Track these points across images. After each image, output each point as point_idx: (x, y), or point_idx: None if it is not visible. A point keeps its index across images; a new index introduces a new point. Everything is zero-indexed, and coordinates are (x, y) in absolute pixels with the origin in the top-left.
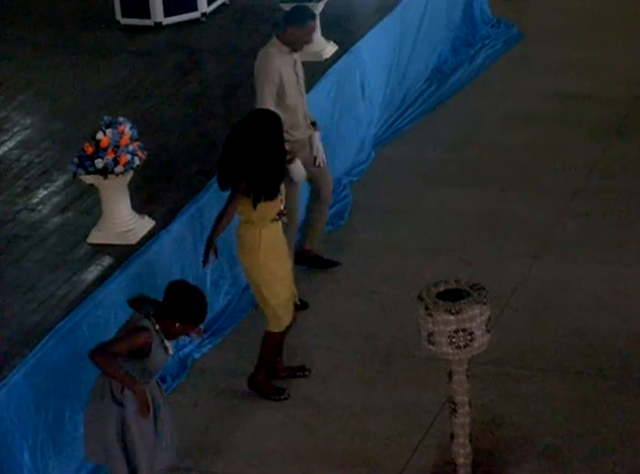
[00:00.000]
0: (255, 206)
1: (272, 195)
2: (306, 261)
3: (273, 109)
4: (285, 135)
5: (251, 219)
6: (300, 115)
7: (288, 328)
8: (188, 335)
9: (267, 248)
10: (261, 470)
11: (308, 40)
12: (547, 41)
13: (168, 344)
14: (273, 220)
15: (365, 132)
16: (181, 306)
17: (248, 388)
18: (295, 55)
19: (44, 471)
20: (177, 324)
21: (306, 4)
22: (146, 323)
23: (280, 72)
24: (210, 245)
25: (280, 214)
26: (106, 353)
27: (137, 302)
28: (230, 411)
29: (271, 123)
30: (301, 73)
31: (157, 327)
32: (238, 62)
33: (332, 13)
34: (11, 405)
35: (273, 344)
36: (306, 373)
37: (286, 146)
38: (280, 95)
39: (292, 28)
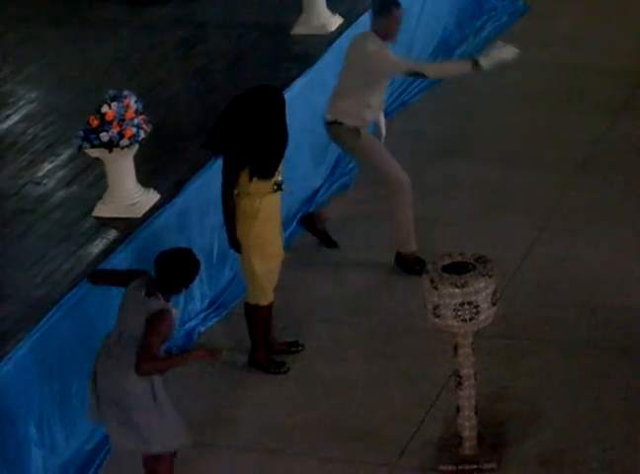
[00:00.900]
0: (250, 179)
1: (268, 174)
2: (313, 229)
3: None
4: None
5: (248, 191)
6: (378, 102)
7: (269, 308)
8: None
9: (264, 218)
10: (266, 443)
11: (397, 29)
12: (553, 14)
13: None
14: (271, 192)
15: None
16: (183, 276)
17: (249, 366)
18: (389, 45)
19: (51, 444)
20: (183, 290)
21: None
22: (160, 304)
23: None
24: (234, 241)
25: (278, 186)
26: (150, 360)
27: (107, 277)
28: (235, 384)
29: (275, 103)
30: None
31: (167, 299)
32: (243, 36)
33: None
34: (17, 379)
35: (260, 318)
36: (300, 348)
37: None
38: (379, 82)
39: (382, 19)
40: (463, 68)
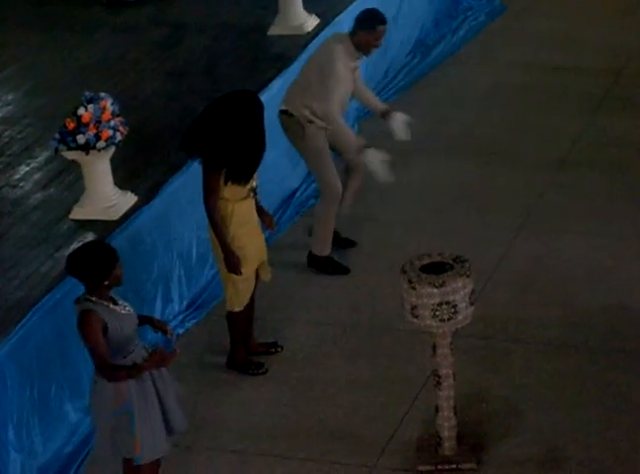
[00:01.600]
0: (226, 183)
1: (245, 179)
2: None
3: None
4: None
5: (223, 195)
6: (340, 109)
7: (251, 305)
8: (120, 274)
9: (238, 223)
10: (246, 445)
11: (378, 45)
12: (530, 14)
13: (117, 304)
14: (245, 197)
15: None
16: (93, 274)
17: (227, 368)
18: (359, 61)
19: (30, 448)
20: (106, 283)
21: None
22: (82, 306)
23: (345, 74)
24: (230, 252)
25: (254, 191)
26: (103, 367)
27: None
28: (215, 386)
29: (253, 108)
30: (358, 76)
31: (94, 298)
32: (220, 37)
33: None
34: None
35: (238, 322)
36: (278, 349)
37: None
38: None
39: (364, 32)
40: (351, 144)
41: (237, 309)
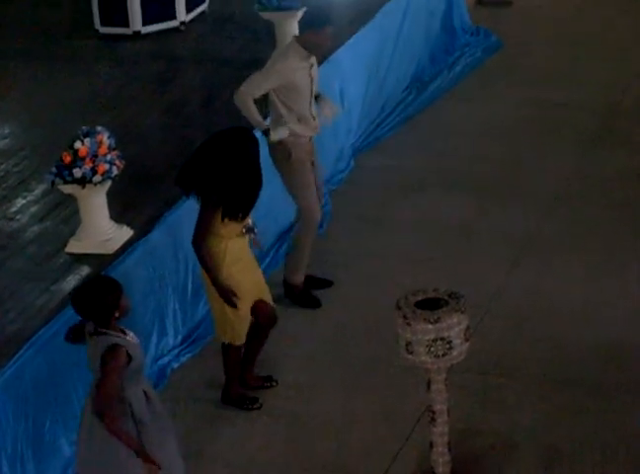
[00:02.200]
0: (222, 220)
1: (242, 216)
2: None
3: (251, 96)
4: (291, 128)
5: (218, 232)
6: (308, 113)
7: (259, 341)
8: (127, 305)
9: (232, 260)
10: None
11: (324, 46)
12: (526, 50)
13: (126, 334)
14: (239, 235)
15: (344, 141)
16: (102, 308)
17: (222, 402)
18: (312, 59)
19: None
20: (116, 314)
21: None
22: (107, 340)
23: (287, 77)
24: (221, 285)
25: (248, 229)
26: (110, 407)
27: (75, 333)
28: (209, 420)
29: (249, 145)
30: (316, 76)
31: (110, 332)
32: (217, 71)
33: (305, 19)
34: None
35: (234, 356)
36: (273, 384)
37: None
38: (289, 95)
39: (309, 33)
40: (257, 124)
41: (236, 343)
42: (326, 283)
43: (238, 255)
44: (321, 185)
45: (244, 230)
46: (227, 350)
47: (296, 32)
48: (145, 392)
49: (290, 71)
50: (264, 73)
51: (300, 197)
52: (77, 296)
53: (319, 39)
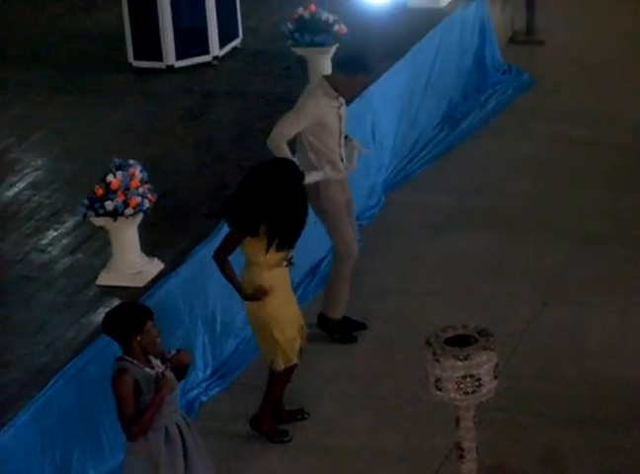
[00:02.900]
0: (267, 251)
1: (291, 245)
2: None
3: (284, 138)
4: (323, 173)
5: (258, 261)
6: (337, 155)
7: (293, 370)
8: (155, 336)
9: (273, 290)
10: None
11: (354, 92)
12: (557, 88)
13: (152, 368)
14: (278, 265)
15: (376, 177)
16: (124, 327)
17: (250, 429)
18: (341, 98)
19: None
20: (138, 338)
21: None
22: (119, 365)
23: (317, 116)
24: (243, 290)
25: (287, 260)
26: (130, 425)
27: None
28: (238, 455)
29: (290, 175)
30: (345, 115)
31: (129, 358)
32: (249, 106)
33: (348, 50)
34: (18, 446)
35: (280, 384)
36: (305, 416)
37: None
38: (319, 135)
39: (340, 74)
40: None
41: (283, 367)
42: (360, 326)
43: (277, 284)
44: (354, 221)
45: (285, 263)
46: (275, 375)
47: (329, 68)
48: (167, 429)
49: (320, 110)
50: (294, 113)
51: (335, 235)
52: (106, 316)
53: (349, 84)
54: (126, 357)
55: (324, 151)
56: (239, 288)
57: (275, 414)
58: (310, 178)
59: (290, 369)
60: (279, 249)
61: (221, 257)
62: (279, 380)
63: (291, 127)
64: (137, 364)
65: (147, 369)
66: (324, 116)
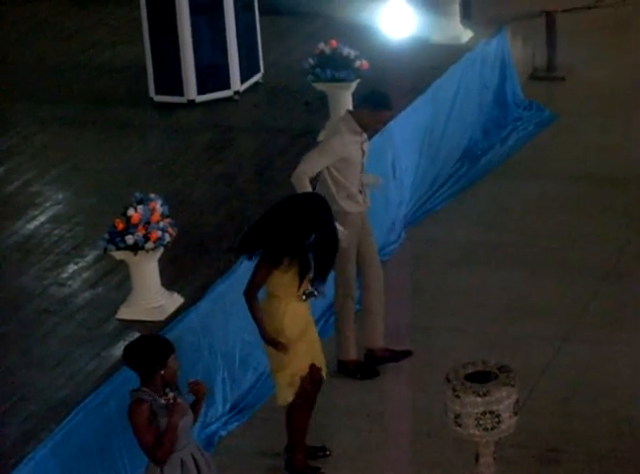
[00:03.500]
0: (299, 286)
1: (322, 276)
2: (376, 360)
3: (307, 176)
4: (339, 205)
5: (277, 294)
6: (356, 188)
7: (306, 403)
8: (176, 369)
9: (290, 322)
10: None
11: (378, 128)
12: (578, 125)
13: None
14: (299, 298)
15: (396, 212)
16: (149, 361)
17: (286, 469)
18: (365, 134)
19: None
20: (162, 372)
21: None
22: (135, 395)
23: (342, 153)
24: (269, 336)
25: (308, 294)
26: (153, 456)
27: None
28: None
29: (320, 208)
30: (367, 150)
31: (147, 390)
32: (270, 141)
33: (370, 86)
34: None
35: (298, 418)
36: (327, 453)
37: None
38: (341, 169)
39: (366, 110)
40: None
41: (289, 400)
42: (404, 354)
43: (296, 319)
44: (375, 256)
45: (304, 296)
46: (291, 412)
47: (350, 103)
48: (183, 461)
49: (344, 146)
50: (318, 151)
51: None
52: (128, 347)
53: (374, 119)
54: (143, 389)
55: (344, 184)
56: (263, 331)
57: (304, 449)
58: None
59: (302, 403)
60: (310, 283)
61: (250, 294)
62: (294, 416)
63: (315, 165)
64: (153, 396)
65: (162, 400)
66: (348, 153)
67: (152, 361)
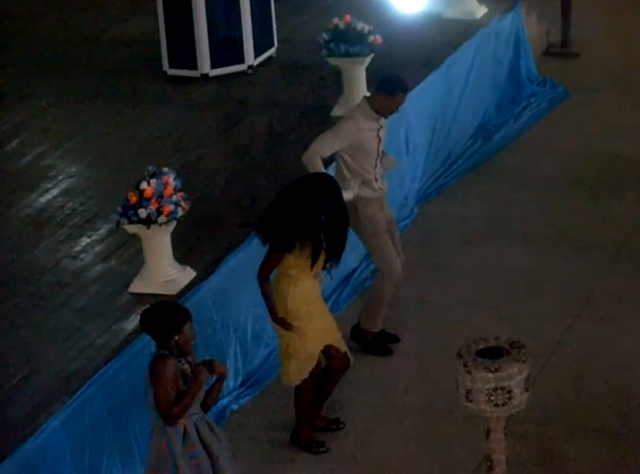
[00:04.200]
0: (312, 267)
1: (336, 258)
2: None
3: (319, 156)
4: (358, 191)
5: (288, 273)
6: (372, 175)
7: (338, 377)
8: (191, 339)
9: (299, 302)
10: None
11: (394, 111)
12: (592, 101)
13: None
14: (311, 278)
15: (409, 188)
16: (164, 325)
17: (291, 442)
18: (382, 120)
19: None
20: (176, 338)
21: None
22: (158, 353)
23: (356, 138)
24: (281, 320)
25: (319, 271)
26: (169, 412)
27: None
28: (268, 464)
29: (329, 188)
30: (384, 138)
31: (167, 352)
32: (283, 115)
33: (383, 70)
34: (48, 452)
35: (303, 395)
36: (340, 426)
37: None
38: (355, 156)
39: (381, 95)
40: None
41: (298, 381)
42: (392, 338)
43: (305, 298)
44: (398, 238)
45: (314, 274)
46: (297, 391)
47: (363, 78)
48: (185, 428)
49: (359, 131)
50: (333, 132)
51: (376, 253)
52: (145, 311)
53: (389, 104)
54: (163, 351)
55: (358, 171)
56: (273, 311)
57: (311, 423)
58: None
59: (309, 384)
60: (332, 259)
61: (263, 276)
62: (300, 393)
63: (327, 147)
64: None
65: (180, 363)
66: (363, 139)
67: (167, 326)
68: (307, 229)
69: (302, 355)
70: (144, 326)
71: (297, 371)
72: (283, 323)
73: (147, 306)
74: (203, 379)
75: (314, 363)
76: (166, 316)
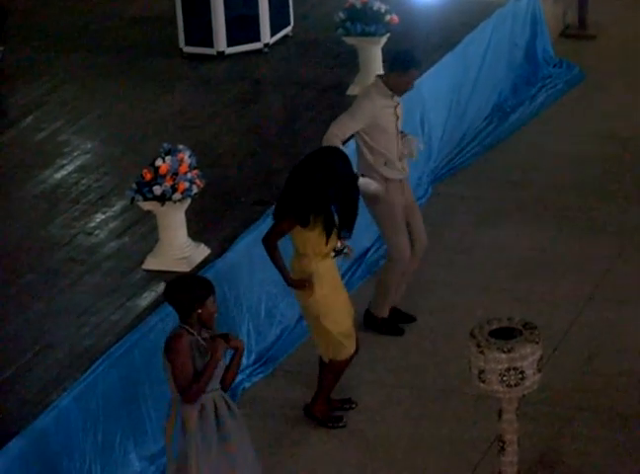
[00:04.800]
0: (327, 242)
1: (348, 230)
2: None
3: (339, 138)
4: (379, 173)
5: (307, 253)
6: (394, 155)
7: (351, 358)
8: (214, 313)
9: (321, 280)
10: None
11: (409, 88)
12: (608, 83)
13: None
14: (328, 255)
15: (423, 168)
16: (188, 298)
17: (304, 415)
18: (397, 97)
19: None
20: (199, 311)
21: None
22: (174, 331)
23: (373, 116)
24: (290, 278)
25: (337, 252)
26: (187, 389)
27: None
28: (279, 441)
29: (339, 162)
30: (401, 114)
31: (188, 328)
32: (299, 94)
33: (394, 49)
34: (60, 428)
35: (335, 373)
36: (353, 406)
37: (378, 184)
38: (374, 136)
39: (395, 73)
40: None
41: (340, 358)
42: (409, 318)
43: (327, 275)
44: (421, 227)
45: (334, 253)
46: (328, 366)
47: (379, 57)
48: (203, 405)
49: (376, 110)
50: (350, 113)
51: (389, 239)
52: (169, 283)
53: (403, 81)
54: (183, 325)
55: (381, 151)
56: (285, 274)
57: (329, 401)
58: (365, 184)
59: (347, 361)
60: (338, 237)
61: (270, 242)
62: (330, 371)
63: (346, 128)
64: (192, 333)
65: (200, 339)
66: (380, 116)
67: (190, 299)
68: (318, 202)
69: (344, 329)
70: (168, 298)
71: (346, 346)
72: (299, 283)
73: (171, 279)
74: (221, 352)
75: (354, 334)
76: (190, 289)
